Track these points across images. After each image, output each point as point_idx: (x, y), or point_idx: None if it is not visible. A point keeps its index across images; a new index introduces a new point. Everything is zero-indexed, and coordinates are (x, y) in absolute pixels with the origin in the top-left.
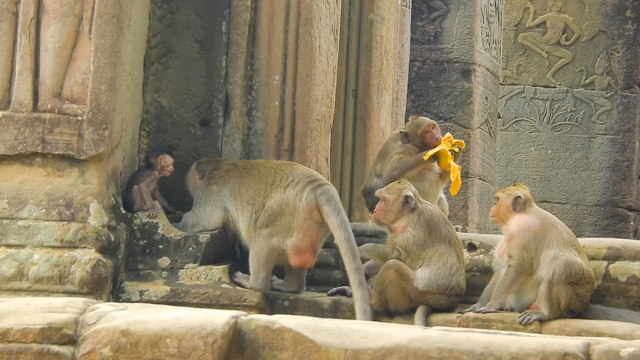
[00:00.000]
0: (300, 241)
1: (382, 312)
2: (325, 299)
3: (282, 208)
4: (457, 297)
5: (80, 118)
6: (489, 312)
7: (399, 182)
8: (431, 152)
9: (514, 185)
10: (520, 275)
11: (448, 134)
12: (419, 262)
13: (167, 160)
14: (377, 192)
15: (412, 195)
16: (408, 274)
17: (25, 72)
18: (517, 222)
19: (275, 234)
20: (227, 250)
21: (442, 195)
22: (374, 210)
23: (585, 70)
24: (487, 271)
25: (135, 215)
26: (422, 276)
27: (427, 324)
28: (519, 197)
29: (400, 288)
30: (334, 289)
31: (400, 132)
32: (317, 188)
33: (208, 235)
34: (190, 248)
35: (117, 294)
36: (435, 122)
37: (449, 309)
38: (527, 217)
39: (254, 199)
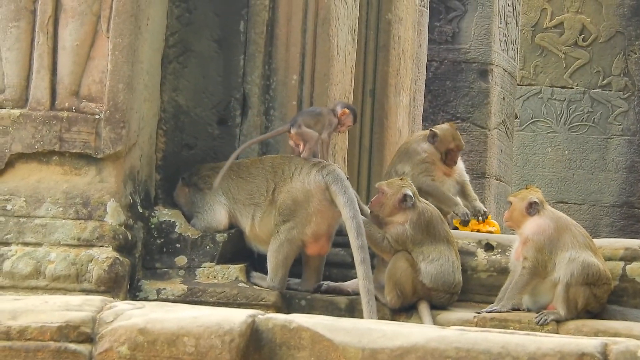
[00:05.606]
0: (319, 226)
1: (399, 309)
2: (341, 298)
3: (295, 199)
4: (456, 295)
5: (97, 116)
6: (501, 311)
7: (401, 179)
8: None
9: (526, 188)
10: (534, 277)
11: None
12: (419, 257)
13: (349, 120)
14: (377, 184)
15: (411, 195)
16: (416, 265)
17: (42, 70)
18: (531, 225)
19: (294, 226)
20: (244, 249)
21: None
22: (371, 200)
23: (603, 71)
24: (504, 271)
25: (153, 214)
26: (427, 271)
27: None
28: (535, 202)
29: (411, 278)
30: (316, 285)
31: (430, 130)
32: (322, 169)
33: (225, 234)
34: (208, 247)
35: (134, 293)
36: (464, 147)
37: (447, 307)
38: (541, 220)
39: (253, 199)
